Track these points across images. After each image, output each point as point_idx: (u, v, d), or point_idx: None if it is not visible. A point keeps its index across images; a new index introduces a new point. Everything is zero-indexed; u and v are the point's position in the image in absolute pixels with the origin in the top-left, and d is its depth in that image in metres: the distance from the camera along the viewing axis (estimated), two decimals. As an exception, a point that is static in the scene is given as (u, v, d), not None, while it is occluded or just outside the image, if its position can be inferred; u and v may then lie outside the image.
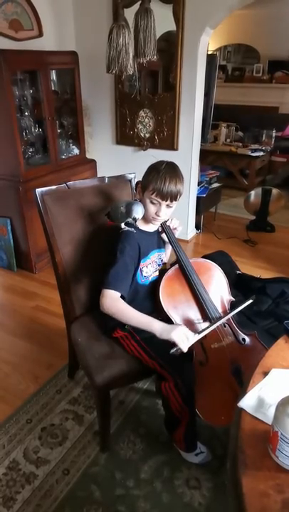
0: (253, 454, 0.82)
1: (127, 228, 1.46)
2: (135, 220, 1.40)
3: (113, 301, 1.37)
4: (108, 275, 1.38)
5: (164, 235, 1.58)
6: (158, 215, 1.43)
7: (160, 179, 1.36)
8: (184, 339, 1.30)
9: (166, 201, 1.40)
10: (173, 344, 1.32)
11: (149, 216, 1.45)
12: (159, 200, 1.40)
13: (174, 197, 1.40)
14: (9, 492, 1.46)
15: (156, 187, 1.37)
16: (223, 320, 1.46)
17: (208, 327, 1.41)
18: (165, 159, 1.45)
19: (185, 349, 1.30)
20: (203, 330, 1.39)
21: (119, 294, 1.38)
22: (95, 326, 1.62)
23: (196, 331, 1.42)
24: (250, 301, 1.48)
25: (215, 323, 1.43)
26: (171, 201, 1.41)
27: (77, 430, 1.70)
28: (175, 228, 1.59)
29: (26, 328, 2.39)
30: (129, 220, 1.41)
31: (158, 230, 1.56)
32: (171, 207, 1.44)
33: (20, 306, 2.61)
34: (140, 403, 1.83)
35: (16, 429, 1.71)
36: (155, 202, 1.41)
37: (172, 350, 1.31)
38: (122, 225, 1.46)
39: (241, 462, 0.80)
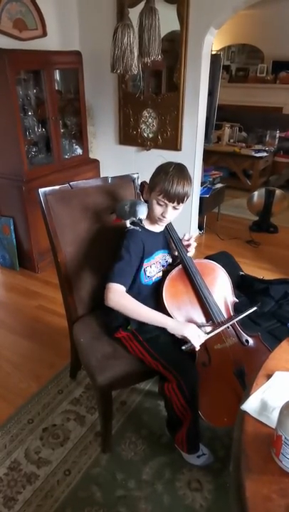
0: (256, 458, 0.81)
1: (132, 227, 1.47)
2: (140, 221, 1.42)
3: (120, 295, 1.38)
4: (113, 270, 1.39)
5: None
6: (164, 216, 1.43)
7: (168, 181, 1.36)
8: (196, 337, 1.35)
9: (172, 203, 1.40)
10: (183, 341, 1.36)
11: (155, 217, 1.45)
12: (166, 202, 1.40)
13: (181, 199, 1.39)
14: (10, 492, 1.46)
15: (164, 188, 1.37)
16: (234, 320, 1.49)
17: (217, 327, 1.43)
18: (171, 160, 1.45)
19: (198, 346, 1.35)
20: (213, 330, 1.42)
21: (124, 288, 1.39)
22: (98, 326, 1.61)
23: (203, 332, 1.43)
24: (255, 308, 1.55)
25: (223, 324, 1.45)
26: (178, 203, 1.41)
27: (78, 431, 1.70)
28: (189, 245, 1.58)
29: (28, 328, 2.39)
30: (135, 220, 1.43)
31: (164, 230, 1.56)
32: (177, 209, 1.44)
33: (23, 306, 2.61)
34: (142, 404, 1.83)
35: (18, 429, 1.71)
36: (162, 203, 1.41)
37: (184, 347, 1.35)
38: (128, 224, 1.47)
39: (244, 466, 0.79)
